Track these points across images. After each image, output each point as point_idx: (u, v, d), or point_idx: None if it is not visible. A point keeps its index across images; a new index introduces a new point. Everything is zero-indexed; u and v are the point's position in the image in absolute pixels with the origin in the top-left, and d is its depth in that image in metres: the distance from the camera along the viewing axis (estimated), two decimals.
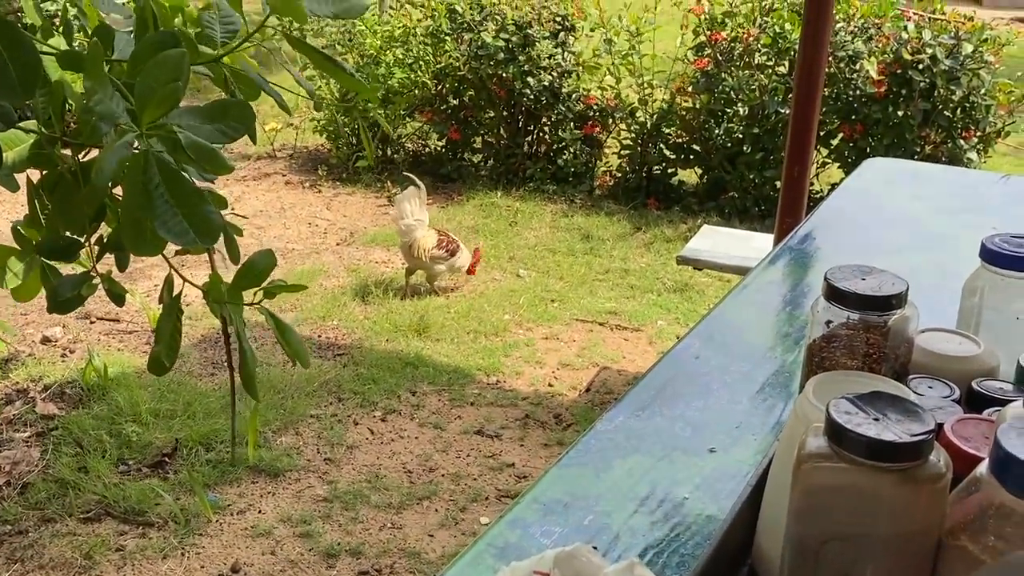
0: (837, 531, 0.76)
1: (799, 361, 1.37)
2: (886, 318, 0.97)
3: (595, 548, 0.88)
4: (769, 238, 3.97)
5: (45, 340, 4.10)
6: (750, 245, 4.10)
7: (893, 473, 0.73)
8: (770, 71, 5.44)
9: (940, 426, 0.84)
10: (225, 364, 3.92)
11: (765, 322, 1.53)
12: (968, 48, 5.03)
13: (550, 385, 3.86)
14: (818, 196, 5.32)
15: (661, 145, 5.77)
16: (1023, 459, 0.68)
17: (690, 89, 5.58)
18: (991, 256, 1.16)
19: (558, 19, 5.88)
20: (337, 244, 5.29)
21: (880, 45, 5.26)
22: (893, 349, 0.98)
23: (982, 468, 0.74)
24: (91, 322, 4.28)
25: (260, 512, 3.05)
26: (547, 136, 6.08)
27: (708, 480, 1.09)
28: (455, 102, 6.11)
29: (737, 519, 0.94)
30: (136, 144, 1.16)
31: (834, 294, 0.98)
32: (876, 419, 0.74)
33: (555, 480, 1.09)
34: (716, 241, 4.15)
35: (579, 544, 0.79)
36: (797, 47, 5.24)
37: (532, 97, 5.78)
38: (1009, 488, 0.69)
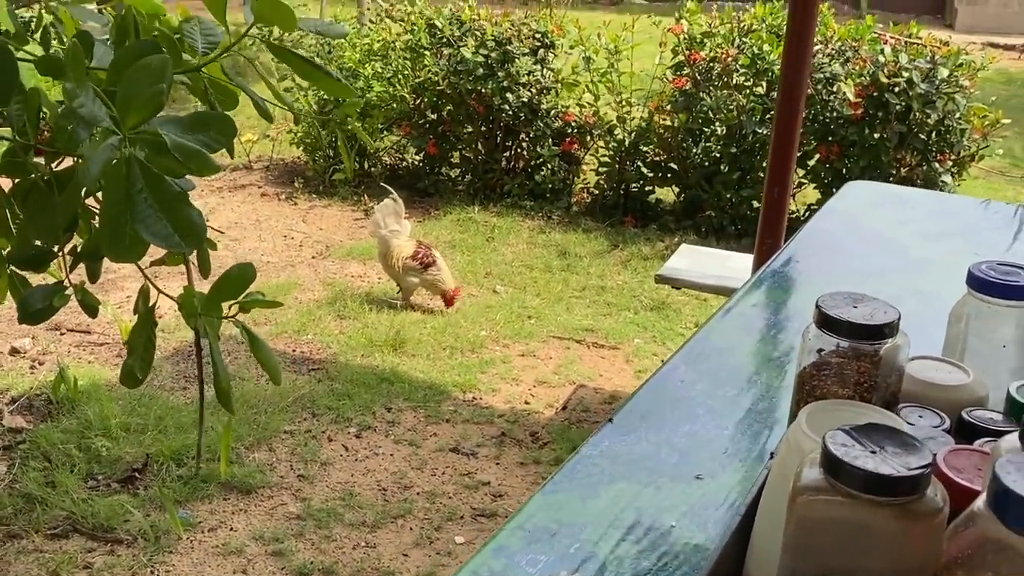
0: (832, 566, 0.75)
1: (784, 386, 1.37)
2: (878, 347, 0.97)
3: None
4: (747, 258, 3.98)
5: (13, 351, 4.04)
6: (728, 265, 4.11)
7: (890, 507, 0.72)
8: (748, 91, 5.47)
9: (932, 457, 0.84)
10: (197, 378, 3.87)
11: (750, 346, 1.52)
12: (944, 72, 5.08)
13: (526, 403, 3.84)
14: (794, 217, 5.35)
15: (639, 163, 5.79)
16: (1022, 495, 0.67)
17: (668, 108, 5.60)
18: (978, 283, 1.16)
19: (537, 36, 5.88)
20: (313, 257, 5.26)
21: (857, 68, 5.30)
22: (884, 378, 0.98)
23: (979, 503, 0.73)
24: (61, 333, 4.21)
25: (231, 529, 3.01)
26: (525, 152, 6.08)
27: (695, 508, 1.08)
28: (433, 117, 6.10)
29: (726, 550, 0.93)
30: (118, 149, 1.14)
31: (826, 322, 0.97)
32: (873, 452, 0.73)
33: (540, 507, 1.08)
34: (695, 260, 4.15)
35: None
36: (776, 68, 5.30)
37: (511, 113, 5.78)
38: (1008, 524, 0.68)
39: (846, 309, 0.98)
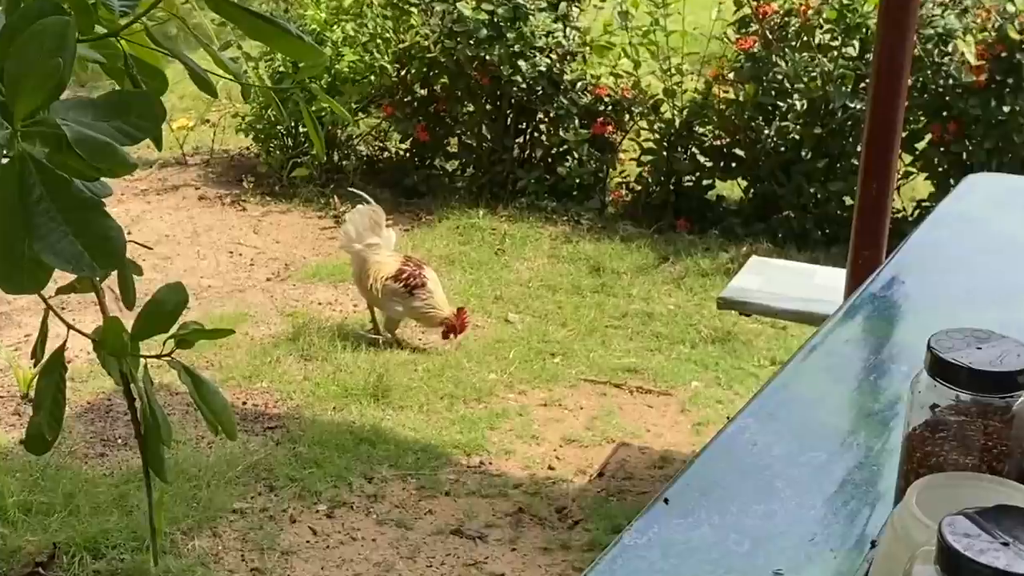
0: None
1: (888, 450, 1.37)
2: (1010, 400, 0.97)
3: None
4: (839, 273, 3.98)
5: None
6: (814, 283, 4.11)
7: None
8: (835, 54, 5.49)
9: None
10: (118, 442, 3.90)
11: (842, 396, 1.53)
12: None
13: (551, 468, 3.85)
14: (899, 217, 5.36)
15: (693, 149, 5.82)
16: None
17: (731, 76, 5.63)
18: None
19: None
20: (268, 279, 5.29)
21: (979, 21, 5.32)
22: (1019, 441, 0.98)
23: None
24: None
25: None
26: (544, 137, 6.12)
27: None
28: (423, 93, 6.15)
29: None
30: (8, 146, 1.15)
31: (941, 369, 0.98)
32: (1005, 543, 0.74)
33: None
34: (768, 277, 4.16)
35: None
36: (872, 23, 5.33)
37: (525, 86, 5.83)
38: None
39: (968, 351, 0.98)
